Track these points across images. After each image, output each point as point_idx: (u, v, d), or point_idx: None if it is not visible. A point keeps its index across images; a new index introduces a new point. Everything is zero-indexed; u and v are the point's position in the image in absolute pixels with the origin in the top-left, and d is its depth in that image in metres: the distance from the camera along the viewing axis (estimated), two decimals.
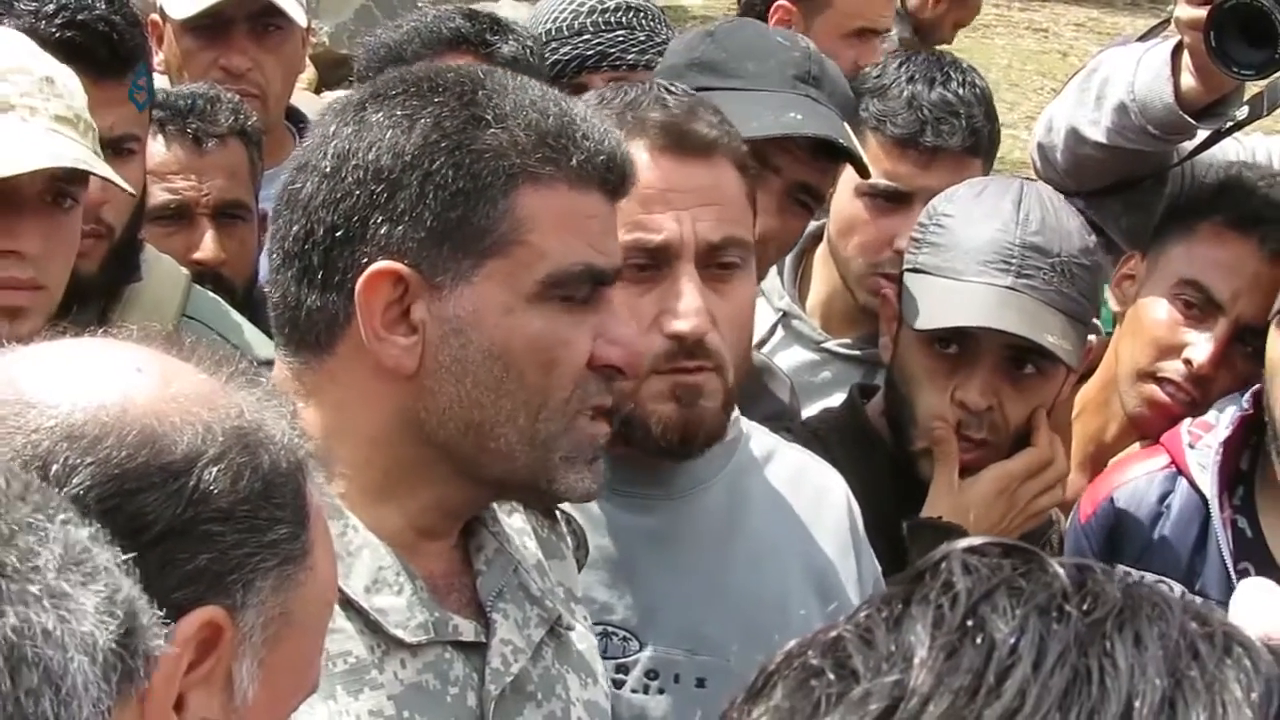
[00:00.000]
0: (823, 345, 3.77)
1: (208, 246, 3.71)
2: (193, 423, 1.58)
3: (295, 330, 2.15)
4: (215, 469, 1.57)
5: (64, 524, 1.20)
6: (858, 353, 3.72)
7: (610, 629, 2.60)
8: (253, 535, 1.60)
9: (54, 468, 1.53)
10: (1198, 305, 3.40)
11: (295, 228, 2.13)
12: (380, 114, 2.12)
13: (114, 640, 1.26)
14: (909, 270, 3.25)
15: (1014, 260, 3.12)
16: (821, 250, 3.82)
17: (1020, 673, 0.94)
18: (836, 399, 3.51)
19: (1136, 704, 0.93)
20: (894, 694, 0.95)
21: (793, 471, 2.78)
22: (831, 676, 0.97)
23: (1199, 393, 3.40)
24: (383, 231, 2.08)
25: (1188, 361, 3.39)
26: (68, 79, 2.84)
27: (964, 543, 1.03)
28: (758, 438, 2.78)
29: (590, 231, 2.14)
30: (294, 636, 1.65)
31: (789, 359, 3.74)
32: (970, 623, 0.97)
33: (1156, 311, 3.44)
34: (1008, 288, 3.11)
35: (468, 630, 2.16)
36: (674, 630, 2.62)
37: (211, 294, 3.40)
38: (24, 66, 2.80)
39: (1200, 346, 3.38)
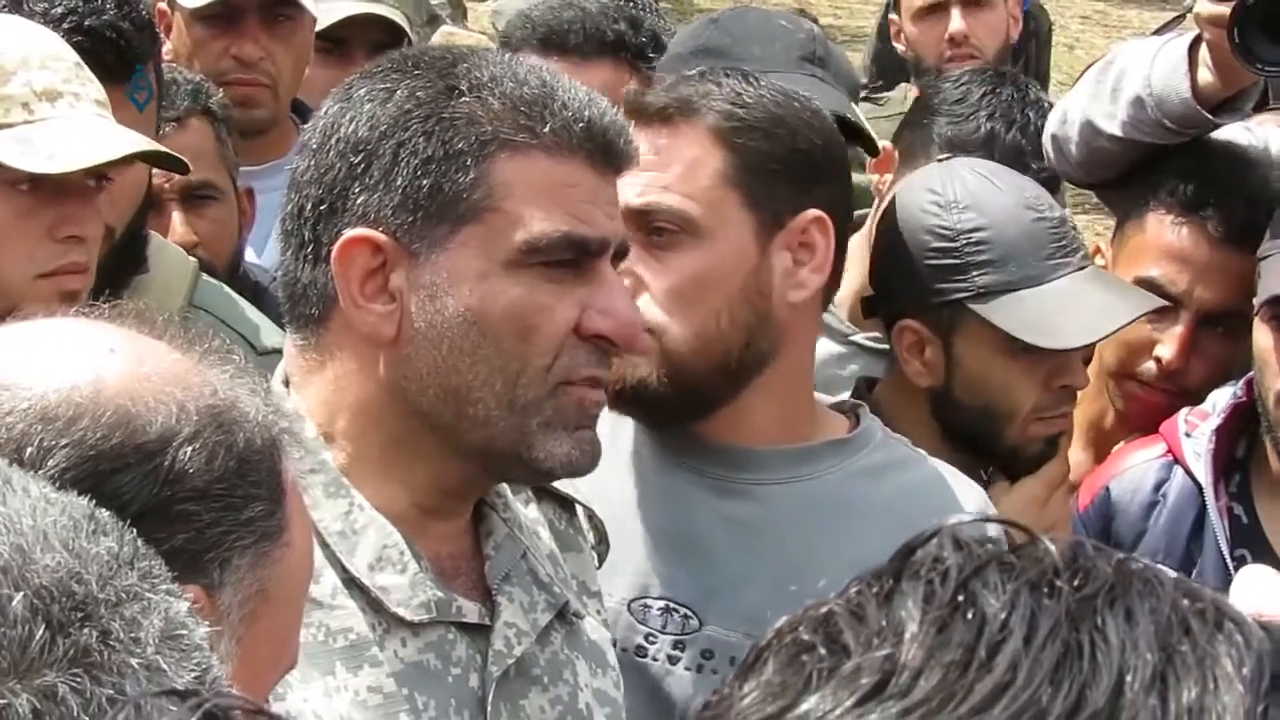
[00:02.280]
0: (850, 338, 3.75)
1: (176, 230, 3.69)
2: (167, 402, 1.59)
3: (295, 307, 2.19)
4: (190, 448, 1.58)
5: (166, 594, 1.19)
6: (885, 346, 3.71)
7: (673, 605, 2.61)
8: (229, 514, 1.61)
9: (29, 450, 1.54)
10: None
11: (290, 206, 2.18)
12: (364, 89, 2.15)
13: None
14: (968, 298, 3.16)
15: (1065, 238, 3.14)
16: (852, 244, 3.80)
17: (1011, 647, 0.94)
18: None
19: (1128, 678, 0.93)
20: (885, 668, 0.95)
21: (921, 484, 2.74)
22: (823, 651, 0.97)
23: (1175, 386, 3.40)
24: (360, 201, 2.11)
25: (1157, 360, 3.39)
26: (83, 63, 2.89)
27: (955, 519, 1.03)
28: (889, 446, 2.76)
29: (571, 200, 2.14)
30: (271, 613, 1.66)
31: (818, 351, 3.72)
32: (961, 598, 0.97)
33: None
34: (1080, 267, 3.13)
35: (471, 612, 2.18)
36: (737, 613, 2.61)
37: (219, 283, 3.41)
38: (58, 53, 2.85)
39: (1167, 344, 3.38)
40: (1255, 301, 3.24)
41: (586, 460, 2.19)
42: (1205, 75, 3.31)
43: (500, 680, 2.17)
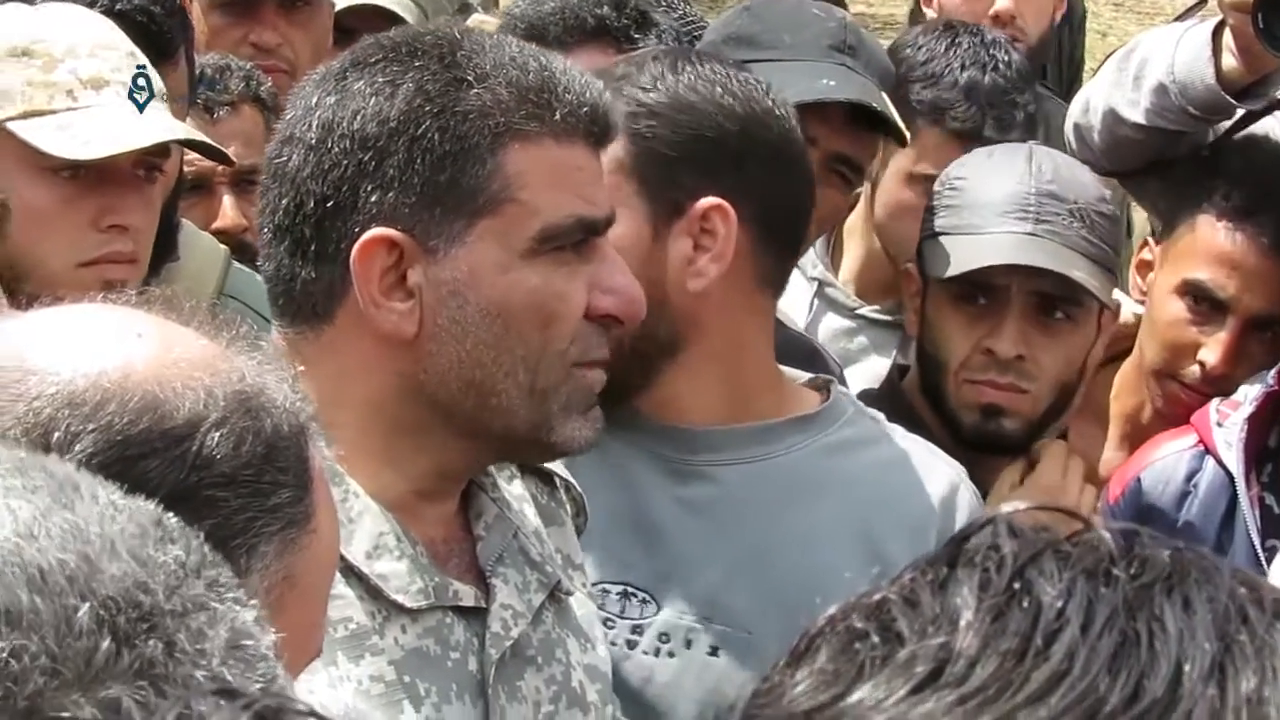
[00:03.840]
0: (857, 312, 3.78)
1: (226, 214, 3.72)
2: (194, 388, 1.58)
3: (291, 302, 2.16)
4: (218, 434, 1.57)
5: (233, 603, 1.17)
6: (891, 318, 3.72)
7: (630, 589, 2.61)
8: (256, 500, 1.60)
9: (55, 435, 1.53)
10: (1205, 304, 3.37)
11: (285, 201, 2.14)
12: (361, 81, 2.12)
13: None
14: (927, 237, 3.25)
15: (1031, 208, 3.13)
16: (854, 219, 3.83)
17: (1068, 635, 0.93)
18: (872, 364, 3.52)
19: (1186, 667, 0.92)
20: (940, 656, 0.94)
21: (890, 459, 2.71)
22: (876, 639, 0.97)
23: (1218, 390, 3.37)
24: (374, 199, 2.09)
25: (1201, 364, 3.37)
26: (140, 52, 2.89)
27: (1009, 508, 1.03)
28: (860, 422, 2.73)
29: (578, 183, 2.15)
30: (298, 601, 1.65)
31: (825, 327, 3.75)
32: (1017, 586, 0.96)
33: (1167, 311, 3.40)
34: (1029, 234, 3.12)
35: (467, 595, 2.18)
36: (691, 595, 2.60)
37: (250, 271, 3.41)
38: (111, 42, 2.85)
39: (1212, 348, 3.35)
40: None
41: (597, 437, 2.22)
42: (1229, 61, 3.29)
43: (498, 663, 2.17)
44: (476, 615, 2.18)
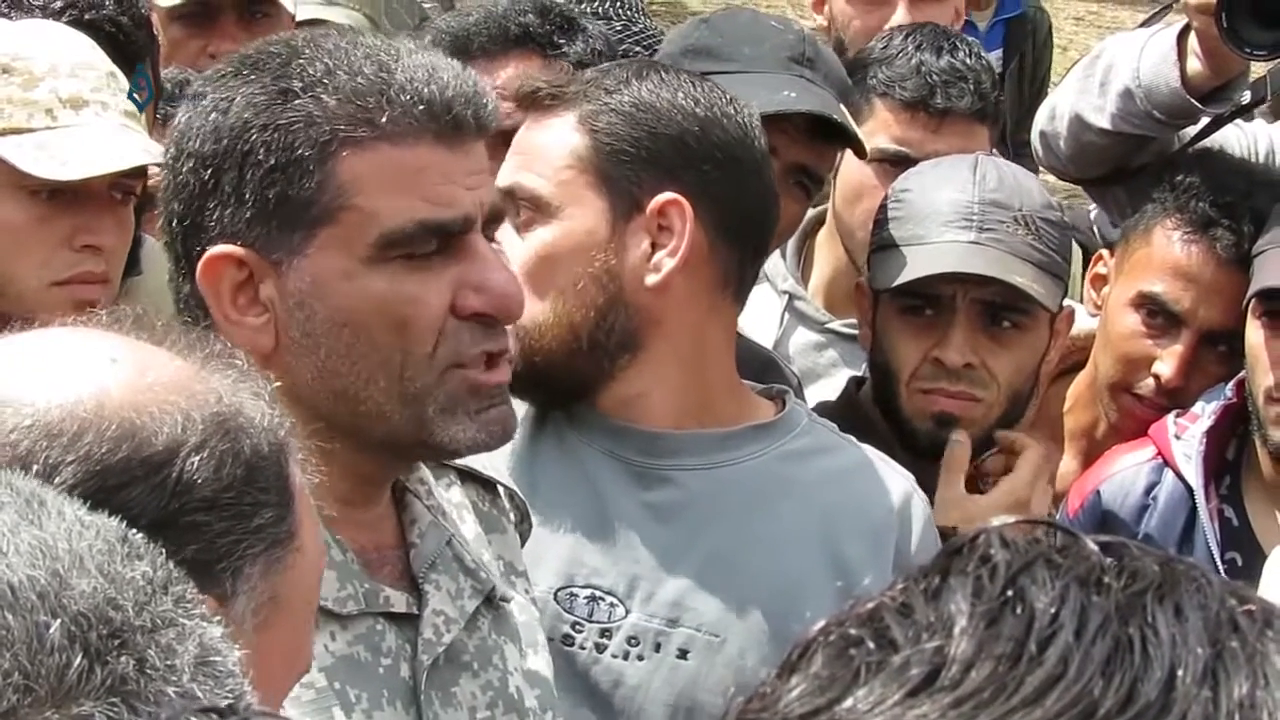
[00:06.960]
0: (827, 326, 3.79)
1: None
2: (171, 412, 1.57)
3: (182, 315, 2.16)
4: (197, 458, 1.56)
5: (200, 620, 1.17)
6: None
7: (599, 593, 2.62)
8: (239, 522, 1.59)
9: (34, 467, 1.51)
10: (1160, 317, 3.38)
11: (161, 219, 2.18)
12: (208, 99, 2.13)
13: None
14: (875, 250, 3.26)
15: (974, 217, 3.14)
16: (824, 233, 3.84)
17: (1062, 641, 0.94)
18: (842, 378, 3.52)
19: (1179, 672, 0.93)
20: (935, 661, 0.95)
21: (847, 467, 2.75)
22: (871, 645, 0.98)
23: (1172, 403, 3.39)
24: (216, 216, 2.10)
25: (1156, 377, 3.38)
26: (120, 73, 2.89)
27: (999, 520, 1.04)
28: (815, 431, 2.76)
29: (424, 184, 2.12)
30: (284, 620, 1.64)
31: (795, 341, 3.76)
32: (1010, 593, 0.97)
33: (1122, 324, 3.42)
34: (971, 242, 3.12)
35: (399, 601, 2.18)
36: (659, 599, 2.63)
37: None
38: (90, 62, 2.85)
39: (1167, 361, 3.36)
40: (1246, 296, 3.23)
41: (494, 439, 2.19)
42: (1194, 64, 3.31)
43: (431, 669, 2.17)
44: (409, 622, 2.18)
